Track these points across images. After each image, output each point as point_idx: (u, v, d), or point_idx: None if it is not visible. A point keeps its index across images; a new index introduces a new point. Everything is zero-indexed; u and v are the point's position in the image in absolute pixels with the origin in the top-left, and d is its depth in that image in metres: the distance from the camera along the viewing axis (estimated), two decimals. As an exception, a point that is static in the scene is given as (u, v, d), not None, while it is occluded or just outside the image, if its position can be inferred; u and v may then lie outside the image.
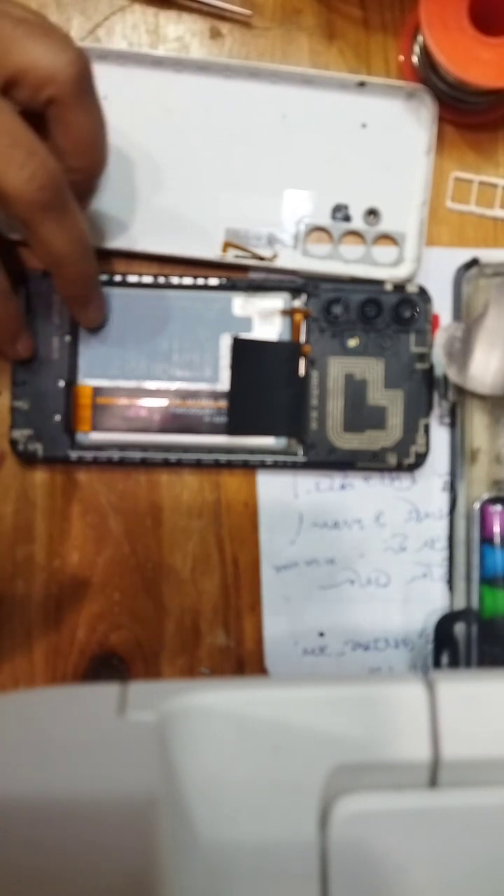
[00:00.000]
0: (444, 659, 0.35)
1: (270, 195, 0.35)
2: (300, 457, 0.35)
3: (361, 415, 0.35)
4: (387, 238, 0.36)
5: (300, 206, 0.35)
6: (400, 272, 0.35)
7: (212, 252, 0.35)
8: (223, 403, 0.35)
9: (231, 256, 0.35)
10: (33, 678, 0.35)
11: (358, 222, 0.35)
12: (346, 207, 0.35)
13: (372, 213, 0.35)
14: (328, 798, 0.23)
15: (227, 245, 0.35)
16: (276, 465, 0.35)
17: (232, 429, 0.35)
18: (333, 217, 0.35)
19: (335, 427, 0.35)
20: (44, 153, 0.26)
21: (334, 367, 0.35)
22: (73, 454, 0.34)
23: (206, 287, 0.35)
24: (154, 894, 0.21)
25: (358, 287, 0.35)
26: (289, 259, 0.35)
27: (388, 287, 0.35)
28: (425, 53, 0.34)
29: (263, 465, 0.35)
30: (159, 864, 0.21)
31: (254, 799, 0.23)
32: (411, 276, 0.35)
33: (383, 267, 0.35)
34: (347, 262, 0.35)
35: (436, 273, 0.36)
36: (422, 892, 0.23)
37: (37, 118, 0.27)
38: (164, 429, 0.35)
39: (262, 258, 0.35)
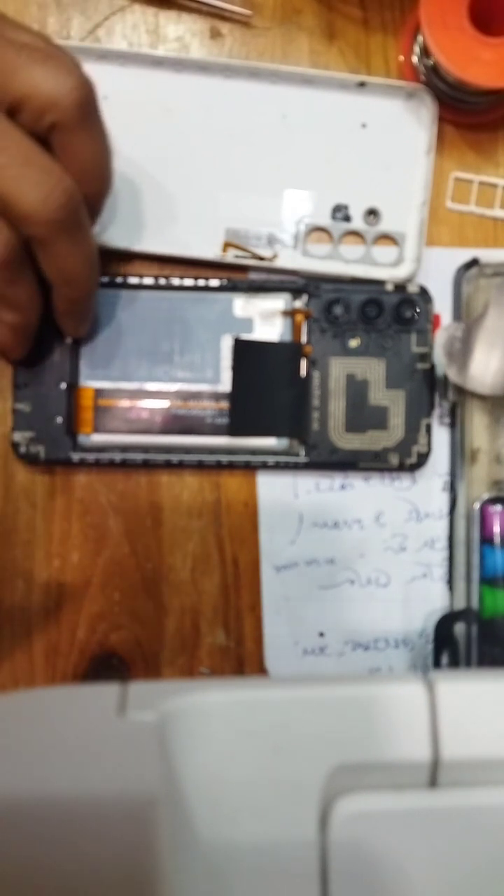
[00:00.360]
0: (444, 659, 0.35)
1: (270, 195, 0.35)
2: (302, 457, 0.35)
3: (363, 415, 0.35)
4: (387, 238, 0.36)
5: (300, 206, 0.35)
6: (400, 272, 0.35)
7: (212, 252, 0.35)
8: (225, 404, 0.35)
9: (231, 256, 0.35)
10: (33, 678, 0.35)
11: (358, 222, 0.35)
12: (346, 207, 0.35)
13: (372, 213, 0.35)
14: (328, 798, 0.23)
15: (227, 245, 0.35)
16: (278, 466, 0.35)
17: (233, 430, 0.35)
18: (333, 217, 0.35)
19: (337, 427, 0.35)
20: (59, 171, 0.26)
21: (336, 367, 0.35)
22: (75, 456, 0.34)
23: (206, 288, 0.35)
24: (154, 894, 0.21)
25: (359, 287, 0.35)
26: (289, 259, 0.35)
27: (389, 287, 0.35)
28: (425, 53, 0.34)
29: (265, 466, 0.35)
30: (159, 864, 0.21)
31: (254, 799, 0.23)
32: (411, 276, 0.35)
33: (383, 267, 0.35)
34: (347, 262, 0.35)
35: (436, 273, 0.36)
36: (422, 892, 0.23)
37: (47, 142, 0.27)
38: (165, 430, 0.35)
39: (262, 258, 0.35)
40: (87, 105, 0.27)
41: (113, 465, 0.35)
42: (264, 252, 0.35)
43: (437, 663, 0.35)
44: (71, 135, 0.27)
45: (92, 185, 0.29)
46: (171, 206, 0.35)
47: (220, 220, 0.35)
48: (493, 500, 0.35)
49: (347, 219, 0.35)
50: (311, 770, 0.23)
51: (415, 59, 0.35)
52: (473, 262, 0.35)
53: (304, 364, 0.35)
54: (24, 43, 0.26)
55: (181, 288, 0.35)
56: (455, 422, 0.36)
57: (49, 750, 0.22)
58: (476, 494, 0.35)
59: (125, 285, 0.34)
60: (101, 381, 0.35)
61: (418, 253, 0.35)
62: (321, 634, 0.36)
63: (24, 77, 0.26)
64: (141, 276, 0.34)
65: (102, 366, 0.35)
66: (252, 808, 0.23)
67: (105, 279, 0.34)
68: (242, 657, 0.36)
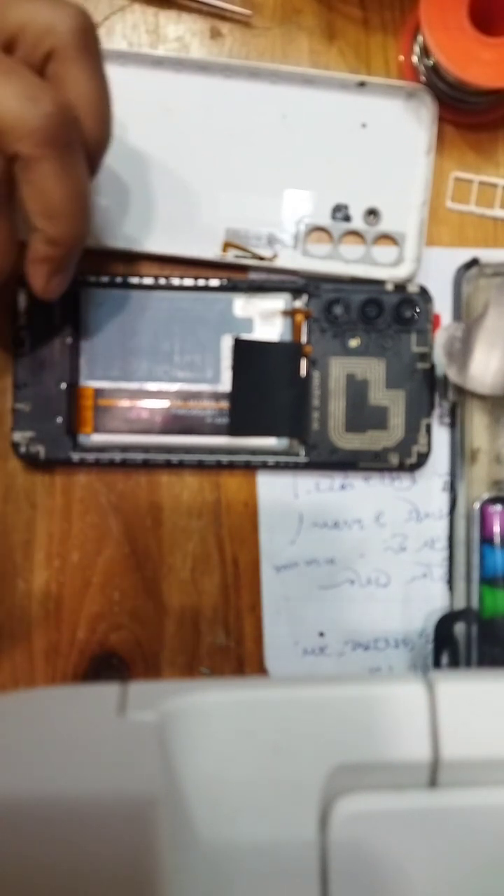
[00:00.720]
0: (444, 659, 0.35)
1: (270, 195, 0.35)
2: (302, 457, 0.35)
3: (363, 415, 0.35)
4: (387, 238, 0.36)
5: (300, 206, 0.35)
6: (400, 272, 0.35)
7: (212, 252, 0.35)
8: (225, 404, 0.35)
9: (231, 256, 0.35)
10: (33, 678, 0.35)
11: (358, 222, 0.35)
12: (346, 207, 0.35)
13: (372, 213, 0.35)
14: (328, 798, 0.23)
15: (227, 245, 0.35)
16: (279, 466, 0.35)
17: (234, 430, 0.35)
18: (333, 217, 0.35)
19: (337, 427, 0.35)
20: (48, 86, 0.24)
21: (336, 367, 0.35)
22: (75, 456, 0.34)
23: (206, 288, 0.35)
24: (154, 894, 0.21)
25: (359, 287, 0.35)
26: (289, 259, 0.35)
27: (389, 287, 0.35)
28: (425, 53, 0.34)
29: (265, 466, 0.35)
30: (159, 864, 0.21)
31: (254, 799, 0.23)
32: (411, 276, 0.35)
33: (383, 267, 0.35)
34: (347, 262, 0.35)
35: (436, 273, 0.36)
36: (422, 892, 0.23)
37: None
38: (165, 430, 0.35)
39: (262, 258, 0.35)
40: (85, 33, 0.26)
41: (113, 465, 0.35)
42: (264, 252, 0.35)
43: (437, 663, 0.35)
44: (67, 64, 0.25)
45: (88, 122, 0.26)
46: (171, 206, 0.35)
47: (220, 220, 0.35)
48: (493, 500, 0.35)
49: (347, 219, 0.35)
50: (311, 770, 0.23)
51: (415, 59, 0.35)
52: (473, 262, 0.35)
53: (304, 364, 0.35)
54: None
55: (181, 288, 0.35)
56: (455, 422, 0.36)
57: (49, 750, 0.22)
58: (476, 494, 0.35)
59: (125, 285, 0.34)
60: (101, 381, 0.35)
61: (418, 253, 0.35)
62: (321, 634, 0.36)
63: (20, 9, 0.25)
64: (141, 276, 0.34)
65: (102, 366, 0.35)
66: (252, 808, 0.23)
67: (105, 279, 0.34)
68: (242, 657, 0.36)
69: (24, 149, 0.24)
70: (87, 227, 0.27)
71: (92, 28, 0.26)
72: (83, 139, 0.26)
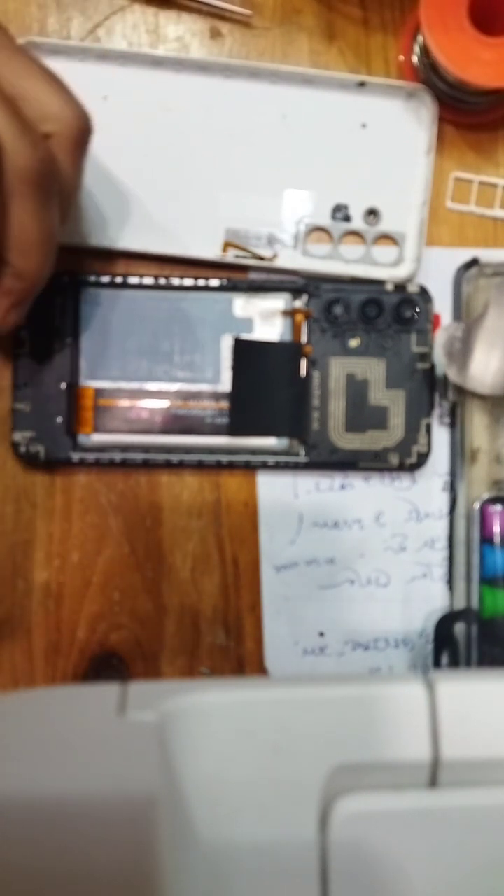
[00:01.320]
0: (444, 659, 0.35)
1: (270, 195, 0.35)
2: (302, 457, 0.35)
3: (363, 415, 0.35)
4: (387, 238, 0.36)
5: (300, 206, 0.35)
6: (400, 272, 0.35)
7: (212, 252, 0.35)
8: (225, 404, 0.35)
9: (231, 256, 0.35)
10: (33, 678, 0.35)
11: (358, 222, 0.35)
12: (346, 207, 0.35)
13: (372, 213, 0.35)
14: (328, 798, 0.23)
15: (227, 245, 0.35)
16: (279, 466, 0.35)
17: (234, 430, 0.35)
18: (333, 217, 0.35)
19: (337, 427, 0.35)
20: (47, 144, 0.27)
21: (336, 367, 0.35)
22: (75, 456, 0.34)
23: (206, 288, 0.35)
24: (154, 894, 0.21)
25: (359, 287, 0.35)
26: (289, 259, 0.35)
27: (389, 287, 0.35)
28: (425, 53, 0.34)
29: (266, 466, 0.35)
30: (159, 864, 0.21)
31: (254, 799, 0.23)
32: (411, 276, 0.35)
33: (383, 267, 0.35)
34: (347, 262, 0.35)
35: (436, 273, 0.36)
36: (422, 892, 0.23)
37: None
38: (165, 430, 0.35)
39: (262, 258, 0.35)
40: (82, 136, 0.28)
41: (113, 465, 0.35)
42: (264, 252, 0.35)
43: (437, 663, 0.35)
44: (62, 152, 0.27)
45: (62, 199, 0.29)
46: (171, 206, 0.35)
47: (220, 220, 0.35)
48: (493, 500, 0.35)
49: (347, 219, 0.35)
50: (311, 770, 0.23)
51: (415, 59, 0.35)
52: (473, 262, 0.35)
53: (304, 364, 0.35)
54: (43, 67, 0.27)
55: (181, 288, 0.34)
56: (455, 422, 0.36)
57: (49, 750, 0.22)
58: (476, 494, 0.35)
59: (125, 285, 0.34)
60: (101, 381, 0.35)
61: (418, 253, 0.35)
62: (321, 634, 0.36)
63: (35, 86, 0.27)
64: (141, 276, 0.34)
65: (102, 366, 0.35)
66: (252, 808, 0.23)
67: (105, 279, 0.34)
68: (242, 657, 0.36)
69: (14, 182, 0.26)
70: (51, 267, 0.29)
71: (90, 134, 0.28)
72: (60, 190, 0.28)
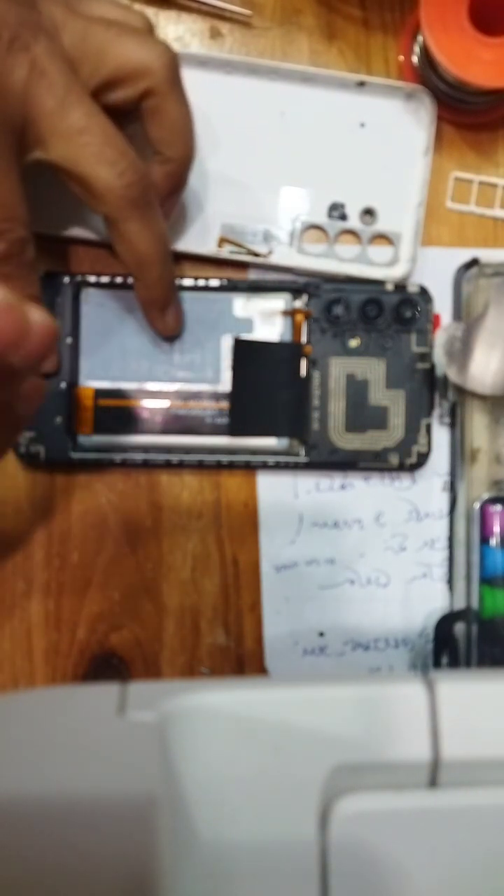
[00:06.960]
0: (444, 659, 0.35)
1: (267, 192, 0.35)
2: (302, 457, 0.35)
3: (363, 415, 0.35)
4: (382, 238, 0.36)
5: (297, 203, 0.35)
6: (395, 272, 0.35)
7: (207, 247, 0.35)
8: (225, 404, 0.35)
9: (226, 252, 0.35)
10: (33, 678, 0.35)
11: (354, 221, 0.35)
12: (342, 206, 0.35)
13: (368, 213, 0.35)
14: (328, 798, 0.23)
15: (222, 240, 0.35)
16: (279, 466, 0.35)
17: (234, 430, 0.35)
18: (330, 215, 0.35)
19: (337, 427, 0.35)
20: (133, 154, 0.28)
21: (336, 367, 0.35)
22: (76, 456, 0.34)
23: (206, 288, 0.35)
24: (154, 894, 0.21)
25: (359, 287, 0.35)
26: (284, 256, 0.35)
27: (389, 287, 0.35)
28: (425, 53, 0.34)
29: (265, 466, 0.35)
30: (159, 864, 0.21)
31: (254, 799, 0.23)
32: (406, 276, 0.35)
33: (378, 267, 0.35)
34: (343, 260, 0.35)
35: (436, 273, 0.36)
36: (422, 891, 0.23)
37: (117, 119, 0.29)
38: (165, 430, 0.35)
39: (257, 254, 0.35)
40: (174, 69, 0.30)
41: (113, 465, 0.35)
42: (260, 248, 0.35)
43: (437, 663, 0.35)
44: (163, 99, 0.30)
45: (182, 146, 0.31)
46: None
47: (215, 215, 0.35)
48: (493, 500, 0.35)
49: (344, 218, 0.35)
50: (311, 770, 0.23)
51: (415, 59, 0.35)
52: (473, 262, 0.35)
53: (304, 364, 0.35)
54: (111, 20, 0.29)
55: (181, 288, 0.34)
56: (455, 422, 0.36)
57: (49, 750, 0.22)
58: (476, 494, 0.35)
59: (125, 285, 0.34)
60: (101, 381, 0.35)
61: (413, 253, 0.35)
62: (321, 634, 0.36)
63: (116, 51, 0.29)
64: (141, 276, 0.34)
65: (102, 366, 0.35)
66: (252, 808, 0.23)
67: (105, 279, 0.34)
68: (242, 657, 0.36)
69: (112, 212, 0.29)
70: (172, 266, 0.32)
71: (177, 63, 0.30)
72: (177, 162, 0.31)
